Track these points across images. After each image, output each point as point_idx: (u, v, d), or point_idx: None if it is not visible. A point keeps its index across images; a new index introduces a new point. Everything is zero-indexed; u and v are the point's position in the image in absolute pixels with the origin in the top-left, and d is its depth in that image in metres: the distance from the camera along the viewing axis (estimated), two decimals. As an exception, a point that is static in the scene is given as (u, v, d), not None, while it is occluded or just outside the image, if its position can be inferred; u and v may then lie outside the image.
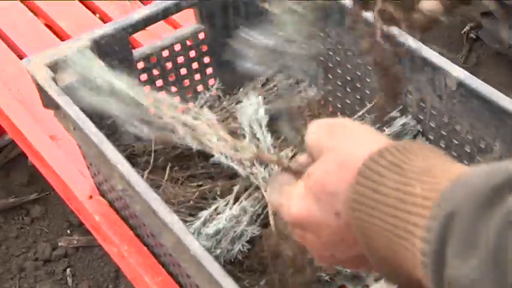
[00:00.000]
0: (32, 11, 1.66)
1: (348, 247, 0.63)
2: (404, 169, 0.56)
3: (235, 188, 1.12)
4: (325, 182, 0.61)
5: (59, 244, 2.00)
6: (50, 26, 1.63)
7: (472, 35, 2.40)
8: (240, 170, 1.13)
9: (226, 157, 1.14)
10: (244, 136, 1.18)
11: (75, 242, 2.00)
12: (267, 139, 1.15)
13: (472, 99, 1.01)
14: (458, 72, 1.02)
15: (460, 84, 1.02)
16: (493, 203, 0.49)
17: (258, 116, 1.18)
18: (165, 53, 1.22)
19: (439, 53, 1.05)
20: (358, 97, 1.21)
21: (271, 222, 1.06)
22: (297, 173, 0.67)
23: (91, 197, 1.18)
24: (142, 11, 1.15)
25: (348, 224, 0.60)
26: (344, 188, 0.59)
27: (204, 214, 1.08)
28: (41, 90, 1.03)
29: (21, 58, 1.52)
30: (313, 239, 0.64)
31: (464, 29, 2.41)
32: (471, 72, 1.03)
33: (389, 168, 0.57)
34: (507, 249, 0.47)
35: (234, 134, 1.20)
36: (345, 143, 0.62)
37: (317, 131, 0.64)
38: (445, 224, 0.51)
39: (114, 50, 1.14)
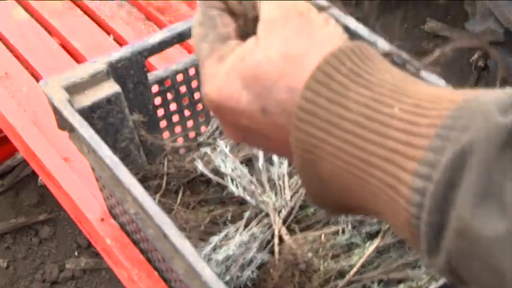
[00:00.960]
0: (47, 30, 1.67)
1: (268, 143, 0.53)
2: (371, 81, 0.47)
3: (246, 214, 1.12)
4: (262, 70, 0.50)
5: (67, 266, 2.00)
6: (65, 46, 1.64)
7: (480, 64, 2.42)
8: (250, 199, 1.12)
9: (237, 187, 1.14)
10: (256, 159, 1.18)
11: (83, 264, 2.00)
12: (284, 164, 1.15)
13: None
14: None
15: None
16: (509, 144, 0.40)
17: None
18: (180, 77, 1.22)
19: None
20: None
21: (276, 249, 1.06)
22: (238, 16, 0.56)
23: (103, 219, 1.18)
24: (158, 35, 1.15)
25: (276, 124, 0.51)
26: (283, 86, 0.49)
27: (215, 240, 1.08)
28: (56, 112, 1.03)
29: (35, 77, 1.52)
30: (225, 121, 0.54)
31: (473, 58, 2.42)
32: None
33: (351, 77, 0.47)
34: None
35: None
36: (298, 36, 0.51)
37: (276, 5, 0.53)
38: (457, 160, 0.41)
39: (130, 73, 1.14)
